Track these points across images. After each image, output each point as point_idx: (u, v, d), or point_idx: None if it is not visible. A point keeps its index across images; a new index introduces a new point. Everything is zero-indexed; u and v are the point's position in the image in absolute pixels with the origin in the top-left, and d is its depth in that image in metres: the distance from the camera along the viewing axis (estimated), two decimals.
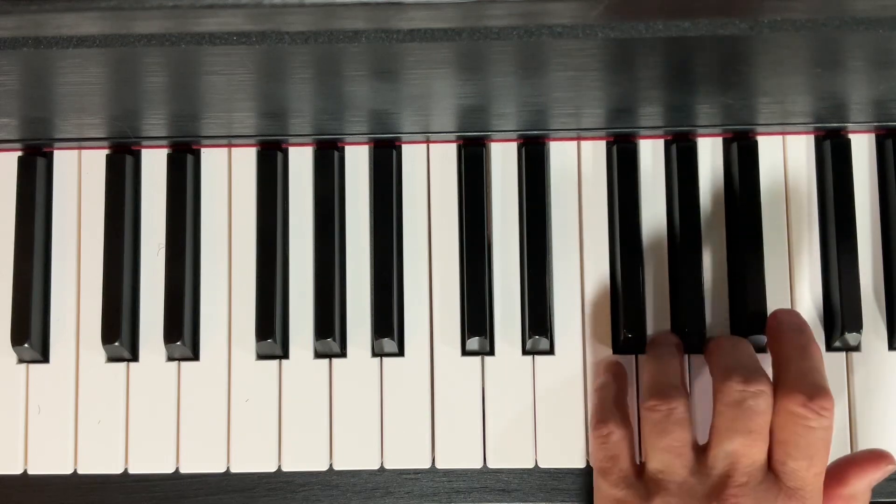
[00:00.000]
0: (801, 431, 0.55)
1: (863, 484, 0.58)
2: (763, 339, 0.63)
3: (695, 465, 0.57)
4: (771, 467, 0.56)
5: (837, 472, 0.58)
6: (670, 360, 0.61)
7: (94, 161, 0.67)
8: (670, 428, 0.57)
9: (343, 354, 0.65)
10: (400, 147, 0.66)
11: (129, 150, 0.67)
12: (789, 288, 0.64)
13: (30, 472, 0.65)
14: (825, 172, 0.65)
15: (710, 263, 0.65)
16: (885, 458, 0.58)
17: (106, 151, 0.67)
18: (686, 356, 0.64)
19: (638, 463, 0.61)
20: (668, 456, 0.57)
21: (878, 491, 0.63)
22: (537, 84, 0.57)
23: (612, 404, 0.60)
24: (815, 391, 0.55)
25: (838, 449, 0.63)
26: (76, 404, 0.65)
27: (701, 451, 0.57)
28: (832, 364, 0.64)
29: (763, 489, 0.55)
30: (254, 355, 0.65)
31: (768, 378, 0.57)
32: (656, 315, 0.64)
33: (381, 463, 0.64)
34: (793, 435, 0.55)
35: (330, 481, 0.64)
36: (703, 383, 0.63)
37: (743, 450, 0.56)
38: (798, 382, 0.56)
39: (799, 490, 0.55)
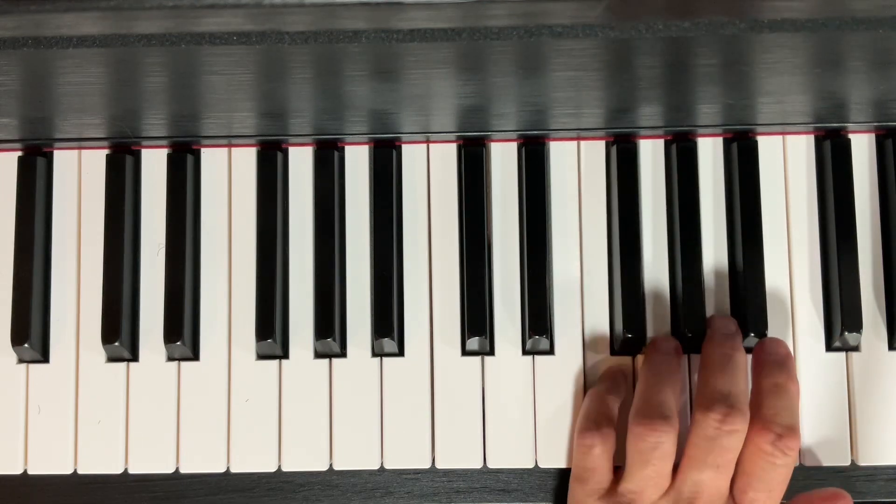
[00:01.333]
0: (765, 467, 0.59)
1: None
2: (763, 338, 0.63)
3: (665, 489, 0.60)
4: (733, 493, 0.60)
5: None
6: (666, 377, 0.61)
7: (94, 161, 0.67)
8: (653, 461, 0.59)
9: (343, 354, 0.65)
10: (400, 147, 0.66)
11: (129, 150, 0.67)
12: (789, 288, 0.64)
13: (30, 472, 0.65)
14: (825, 172, 0.65)
15: (710, 263, 0.65)
16: (842, 498, 0.61)
17: (106, 151, 0.67)
18: (686, 356, 0.64)
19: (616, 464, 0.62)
20: (644, 483, 0.59)
21: (877, 491, 0.63)
22: (537, 84, 0.57)
23: (600, 414, 0.61)
24: (785, 431, 0.58)
25: (838, 448, 0.63)
26: (76, 404, 0.65)
27: (674, 471, 0.60)
28: (832, 364, 0.64)
29: None
30: (254, 355, 0.65)
31: (745, 413, 0.59)
32: (656, 315, 0.64)
33: (381, 463, 0.64)
34: (757, 469, 0.59)
35: (330, 481, 0.64)
36: None
37: (709, 482, 0.59)
38: (770, 420, 0.59)
39: None
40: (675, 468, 0.60)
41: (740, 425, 0.58)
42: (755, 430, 0.59)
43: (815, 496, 0.61)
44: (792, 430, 0.59)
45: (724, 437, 0.58)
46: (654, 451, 0.59)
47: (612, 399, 0.62)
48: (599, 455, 0.60)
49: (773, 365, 0.61)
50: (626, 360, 0.64)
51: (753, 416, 0.59)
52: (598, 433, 0.60)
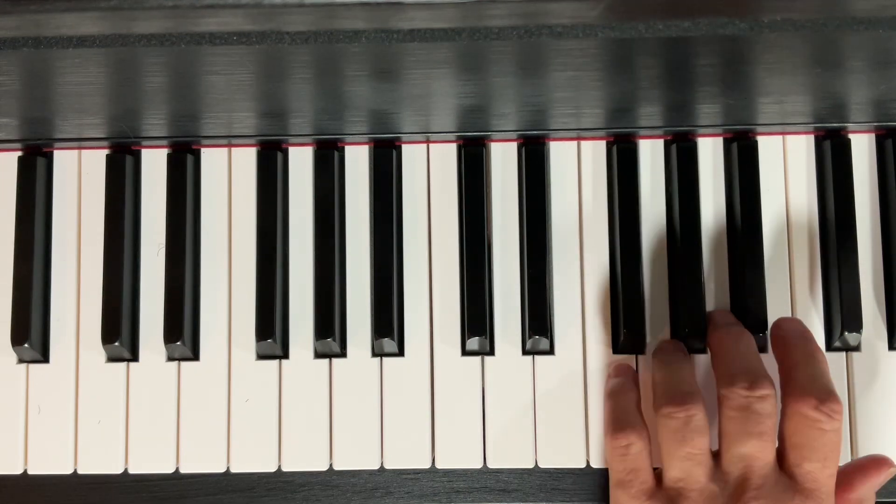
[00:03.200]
0: (814, 434, 0.57)
1: (867, 487, 0.60)
2: (764, 337, 0.63)
3: (712, 471, 0.57)
4: (785, 469, 0.57)
5: (844, 478, 0.60)
6: (681, 364, 0.61)
7: (94, 161, 0.67)
8: (689, 436, 0.57)
9: (343, 354, 0.65)
10: (400, 147, 0.66)
11: (129, 150, 0.67)
12: (789, 288, 0.64)
13: (30, 472, 0.65)
14: (825, 172, 0.65)
15: (711, 263, 0.65)
16: (886, 463, 0.60)
17: (106, 151, 0.67)
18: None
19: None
20: (688, 464, 0.57)
21: (877, 491, 0.63)
22: (537, 84, 0.57)
23: (629, 411, 0.60)
24: (826, 395, 0.57)
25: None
26: (76, 404, 0.65)
27: (715, 455, 0.58)
28: (832, 364, 0.63)
29: (779, 490, 0.56)
30: (254, 355, 0.65)
31: (771, 380, 0.58)
32: (656, 315, 0.64)
33: (381, 463, 0.64)
34: (807, 438, 0.57)
35: (330, 481, 0.64)
36: (703, 384, 0.63)
37: (756, 453, 0.57)
38: (808, 387, 0.57)
39: (815, 491, 0.57)
40: (715, 456, 0.58)
41: (769, 389, 0.57)
42: (795, 400, 0.57)
43: (860, 462, 0.60)
44: (832, 392, 0.57)
45: (757, 402, 0.56)
46: (687, 426, 0.57)
47: (633, 396, 0.61)
48: (638, 453, 0.59)
49: (796, 337, 0.60)
50: (627, 360, 0.64)
51: (789, 388, 0.58)
52: (633, 430, 0.59)
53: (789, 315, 0.64)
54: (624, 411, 0.60)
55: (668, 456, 0.58)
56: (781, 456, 0.58)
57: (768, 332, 0.63)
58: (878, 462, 0.60)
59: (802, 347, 0.60)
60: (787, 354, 0.60)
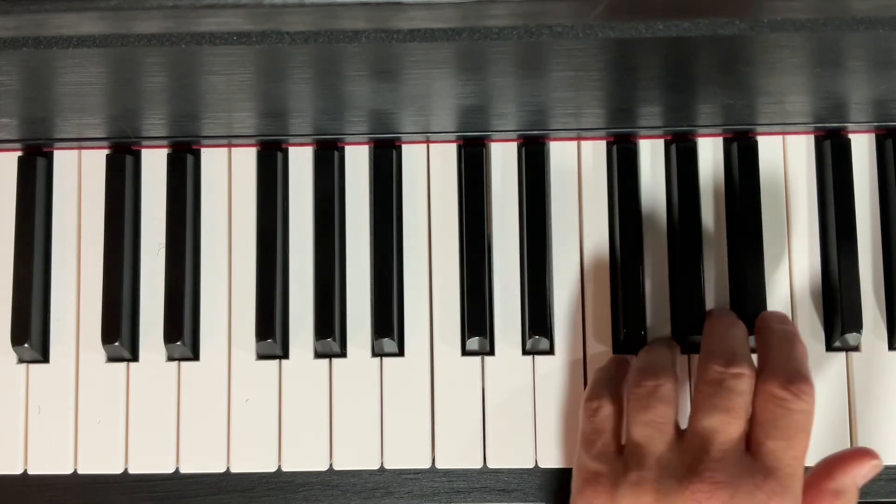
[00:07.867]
0: (780, 413, 0.56)
1: (847, 479, 0.58)
2: None
3: (674, 442, 0.57)
4: (749, 448, 0.56)
5: (824, 467, 0.58)
6: (661, 349, 0.62)
7: (94, 161, 0.67)
8: (654, 403, 0.57)
9: (343, 354, 0.65)
10: (400, 147, 0.66)
11: (129, 150, 0.67)
12: (789, 288, 0.64)
13: (30, 472, 0.65)
14: (825, 172, 0.65)
15: (711, 263, 0.65)
16: (868, 454, 0.58)
17: (106, 151, 0.67)
18: (686, 356, 0.64)
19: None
20: (648, 430, 0.57)
21: (877, 491, 0.63)
22: (537, 84, 0.57)
23: (606, 382, 0.61)
24: (795, 375, 0.57)
25: (838, 448, 0.63)
26: (76, 404, 0.65)
27: (682, 432, 0.58)
28: (832, 364, 0.64)
29: (739, 467, 0.55)
30: (254, 355, 0.65)
31: (751, 363, 0.58)
32: (656, 315, 0.64)
33: (381, 463, 0.64)
34: (771, 416, 0.56)
35: (330, 481, 0.64)
36: None
37: (720, 426, 0.56)
38: (778, 367, 0.57)
39: (776, 470, 0.55)
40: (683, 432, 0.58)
41: (745, 369, 0.57)
42: (764, 378, 0.57)
43: (842, 453, 0.58)
44: (802, 374, 0.56)
45: (730, 379, 0.56)
46: (653, 394, 0.57)
47: (616, 373, 0.62)
48: (606, 416, 0.59)
49: (776, 322, 0.61)
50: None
51: (761, 367, 0.58)
52: (606, 396, 0.60)
53: (788, 314, 0.64)
54: (601, 381, 0.61)
55: (632, 421, 0.58)
56: (749, 435, 0.57)
57: None
58: (860, 453, 0.58)
59: (780, 331, 0.60)
60: (765, 338, 0.60)
